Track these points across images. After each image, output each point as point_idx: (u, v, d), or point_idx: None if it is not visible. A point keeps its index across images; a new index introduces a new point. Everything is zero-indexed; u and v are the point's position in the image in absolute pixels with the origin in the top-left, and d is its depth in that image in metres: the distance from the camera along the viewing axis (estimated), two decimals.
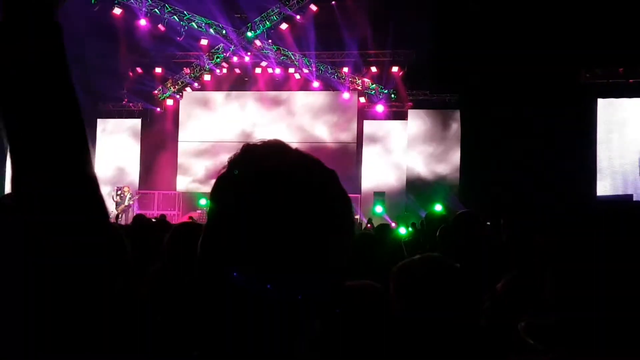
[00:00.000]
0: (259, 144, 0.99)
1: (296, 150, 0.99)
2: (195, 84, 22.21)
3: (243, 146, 0.99)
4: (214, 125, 22.02)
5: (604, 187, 19.08)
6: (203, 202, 17.81)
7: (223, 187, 0.96)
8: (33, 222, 0.90)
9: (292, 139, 20.41)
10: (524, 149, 17.77)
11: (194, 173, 21.91)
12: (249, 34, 20.38)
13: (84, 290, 0.90)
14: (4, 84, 0.94)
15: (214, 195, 0.97)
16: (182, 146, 22.28)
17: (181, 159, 22.21)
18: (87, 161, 0.95)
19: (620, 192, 18.79)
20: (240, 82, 22.12)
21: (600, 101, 19.29)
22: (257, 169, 0.93)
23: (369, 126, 21.35)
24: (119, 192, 19.04)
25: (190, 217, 14.15)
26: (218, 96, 22.26)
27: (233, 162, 0.97)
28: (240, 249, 0.90)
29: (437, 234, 3.53)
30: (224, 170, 0.97)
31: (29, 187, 0.92)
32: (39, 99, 0.93)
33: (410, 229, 10.23)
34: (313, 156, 0.99)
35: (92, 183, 0.95)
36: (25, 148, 0.93)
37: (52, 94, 0.94)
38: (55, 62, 0.95)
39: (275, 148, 0.98)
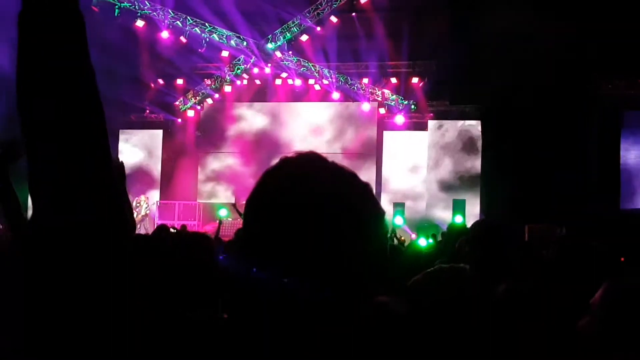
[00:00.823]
0: (294, 156, 1.00)
1: (332, 163, 0.99)
2: (216, 95, 22.36)
3: (280, 159, 0.99)
4: (234, 137, 22.14)
5: (630, 199, 18.81)
6: (223, 212, 17.84)
7: (258, 198, 0.97)
8: (52, 230, 0.91)
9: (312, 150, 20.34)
10: (545, 160, 17.62)
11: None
12: (270, 45, 20.49)
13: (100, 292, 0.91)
14: (22, 76, 0.93)
15: (249, 205, 0.98)
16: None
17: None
18: (107, 167, 0.95)
19: None
20: (260, 93, 22.23)
21: (622, 112, 19.07)
22: (291, 182, 0.94)
23: (388, 137, 21.31)
24: (136, 202, 19.21)
25: (220, 221, 14.37)
26: (238, 108, 22.37)
27: (269, 174, 0.98)
28: (268, 255, 0.92)
29: (456, 245, 3.51)
30: (260, 181, 0.98)
31: (46, 197, 0.92)
32: (57, 94, 0.92)
33: (430, 240, 10.16)
34: (348, 169, 1.00)
35: (111, 189, 0.95)
36: (43, 151, 0.92)
37: (71, 87, 0.92)
38: (77, 55, 0.94)
39: (310, 161, 0.99)
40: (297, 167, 0.98)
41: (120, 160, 4.05)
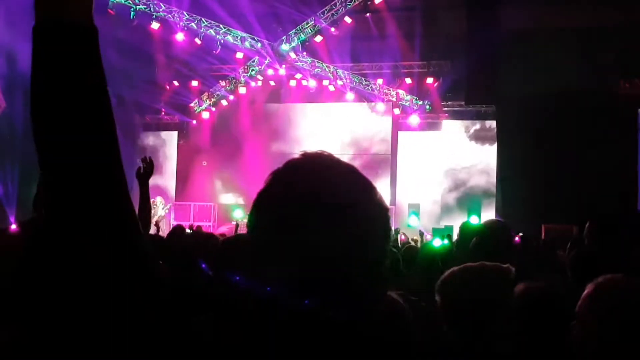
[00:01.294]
0: (299, 158, 0.99)
1: (337, 163, 0.98)
2: (231, 97, 22.43)
3: (287, 162, 0.99)
4: (249, 138, 22.18)
5: None
6: (238, 213, 17.90)
7: (264, 201, 0.97)
8: (60, 228, 0.92)
9: (327, 152, 20.36)
10: (561, 160, 17.49)
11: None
12: (284, 46, 20.53)
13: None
14: (36, 88, 0.94)
15: (255, 208, 0.97)
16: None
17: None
18: (117, 176, 0.96)
19: None
20: (275, 94, 22.27)
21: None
22: (296, 186, 0.94)
23: (403, 137, 21.27)
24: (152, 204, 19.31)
25: (236, 223, 14.66)
26: (252, 109, 22.42)
27: (274, 177, 0.98)
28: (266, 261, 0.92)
29: (470, 245, 3.50)
30: (266, 184, 0.98)
31: (55, 198, 0.94)
32: (70, 106, 0.93)
33: (446, 241, 10.12)
34: (354, 169, 0.99)
35: (122, 197, 0.96)
36: (53, 156, 0.93)
37: (85, 101, 0.93)
38: (89, 67, 0.95)
39: (315, 163, 0.98)
40: (301, 169, 0.97)
41: (149, 157, 4.18)
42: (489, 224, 3.70)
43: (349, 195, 0.94)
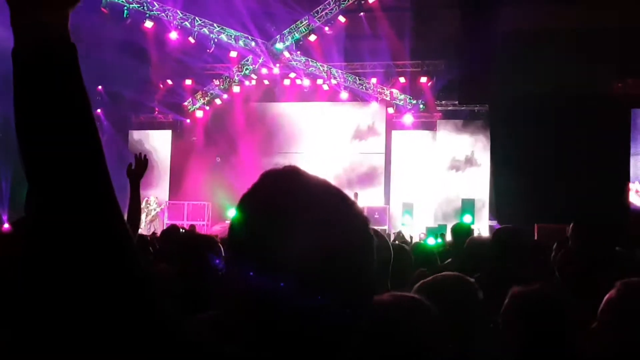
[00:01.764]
0: (272, 172, 1.01)
1: (309, 179, 0.99)
2: (225, 96, 22.40)
3: (262, 174, 1.01)
4: (242, 138, 22.15)
5: None
6: (231, 213, 17.88)
7: (240, 209, 1.00)
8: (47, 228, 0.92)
9: (321, 151, 20.44)
10: (555, 160, 17.55)
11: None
12: (278, 45, 20.52)
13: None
14: (19, 109, 0.95)
15: (236, 212, 1.00)
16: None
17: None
18: (103, 192, 0.95)
19: None
20: (269, 93, 22.25)
21: (634, 112, 18.96)
22: (268, 199, 0.96)
23: (397, 137, 21.28)
24: (145, 203, 19.28)
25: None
26: (246, 108, 22.39)
27: (255, 187, 1.01)
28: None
29: (465, 246, 3.51)
30: (246, 193, 1.01)
31: (39, 201, 0.93)
32: (53, 125, 0.93)
33: (439, 240, 10.17)
34: (328, 184, 1.00)
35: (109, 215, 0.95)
36: (38, 175, 0.93)
37: (68, 119, 0.93)
38: (72, 87, 0.94)
39: (289, 177, 0.99)
40: (276, 182, 0.99)
41: (144, 155, 3.95)
42: (501, 231, 3.67)
43: (322, 209, 0.95)
